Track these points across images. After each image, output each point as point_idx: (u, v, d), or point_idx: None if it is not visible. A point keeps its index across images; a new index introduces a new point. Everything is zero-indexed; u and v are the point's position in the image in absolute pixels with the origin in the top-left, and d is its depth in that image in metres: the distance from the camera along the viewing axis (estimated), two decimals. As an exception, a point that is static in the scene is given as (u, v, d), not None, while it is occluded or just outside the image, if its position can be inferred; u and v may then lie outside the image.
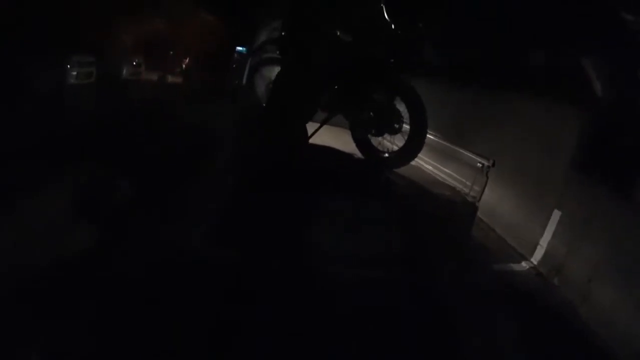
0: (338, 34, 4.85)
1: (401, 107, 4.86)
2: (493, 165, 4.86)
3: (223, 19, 5.69)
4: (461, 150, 5.19)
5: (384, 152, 5.02)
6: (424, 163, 5.58)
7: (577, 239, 3.97)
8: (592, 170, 3.95)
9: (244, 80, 5.73)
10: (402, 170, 4.93)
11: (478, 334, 3.19)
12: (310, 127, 5.10)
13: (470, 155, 5.02)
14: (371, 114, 4.92)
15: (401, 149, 4.94)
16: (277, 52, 5.36)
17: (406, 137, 4.87)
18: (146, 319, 2.76)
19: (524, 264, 4.41)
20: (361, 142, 5.10)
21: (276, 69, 5.29)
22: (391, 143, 5.02)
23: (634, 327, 3.25)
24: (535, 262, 4.36)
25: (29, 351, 2.42)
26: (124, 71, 5.45)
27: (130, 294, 2.94)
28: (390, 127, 4.91)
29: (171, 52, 5.79)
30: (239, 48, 6.24)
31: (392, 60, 4.81)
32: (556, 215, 4.24)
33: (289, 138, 4.79)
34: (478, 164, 4.89)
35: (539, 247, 4.36)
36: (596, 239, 3.79)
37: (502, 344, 3.16)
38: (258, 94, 5.47)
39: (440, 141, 5.52)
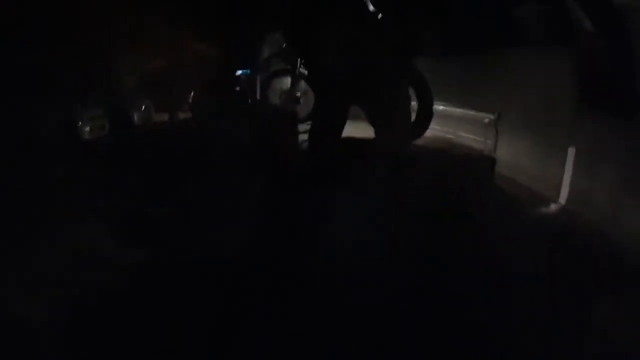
0: (341, 35, 5.14)
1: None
2: (499, 117, 5.02)
3: (222, 43, 5.93)
4: (468, 111, 5.36)
5: None
6: (439, 129, 5.74)
7: (597, 169, 4.01)
8: (596, 102, 3.99)
9: (258, 97, 6.03)
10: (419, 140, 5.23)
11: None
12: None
13: (476, 113, 5.19)
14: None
15: (414, 124, 5.24)
16: (283, 64, 5.73)
17: (415, 114, 5.19)
18: (145, 318, 2.90)
19: (552, 205, 4.45)
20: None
21: (285, 80, 5.65)
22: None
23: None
24: (563, 202, 4.39)
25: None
26: (135, 118, 5.76)
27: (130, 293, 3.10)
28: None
29: (176, 89, 6.05)
30: (240, 71, 6.46)
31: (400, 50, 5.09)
32: (572, 152, 4.29)
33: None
34: (485, 120, 5.07)
35: (562, 186, 4.40)
36: (614, 163, 3.83)
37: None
38: (273, 106, 5.78)
39: (448, 108, 5.66)
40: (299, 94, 5.75)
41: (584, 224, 4.05)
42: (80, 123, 5.12)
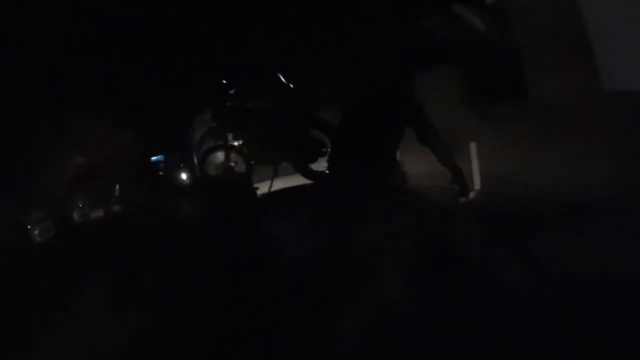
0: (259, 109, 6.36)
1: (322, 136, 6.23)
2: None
3: (141, 132, 6.30)
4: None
5: (324, 170, 6.21)
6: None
7: (499, 153, 5.21)
8: (491, 96, 5.20)
9: (197, 173, 6.57)
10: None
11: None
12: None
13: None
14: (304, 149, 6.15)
15: None
16: (215, 141, 6.46)
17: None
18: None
19: (470, 194, 5.47)
20: (304, 171, 6.27)
21: (219, 154, 6.42)
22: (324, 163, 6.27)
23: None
24: (479, 187, 5.50)
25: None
26: (74, 216, 5.82)
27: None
28: (320, 153, 6.22)
29: (103, 184, 6.22)
30: (154, 158, 6.82)
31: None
32: (473, 147, 5.47)
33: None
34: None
35: (474, 176, 5.52)
36: (512, 144, 5.06)
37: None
38: (212, 179, 6.34)
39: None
40: (232, 164, 6.43)
41: (499, 198, 5.15)
42: (29, 227, 5.16)
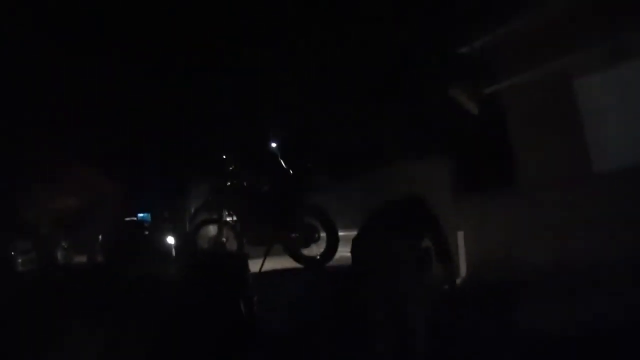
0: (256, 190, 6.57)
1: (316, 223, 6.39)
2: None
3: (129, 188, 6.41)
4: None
5: (316, 256, 6.44)
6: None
7: (485, 241, 5.44)
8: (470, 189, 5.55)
9: (189, 241, 6.56)
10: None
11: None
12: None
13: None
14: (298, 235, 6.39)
15: (325, 251, 6.28)
16: (209, 214, 6.69)
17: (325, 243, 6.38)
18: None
19: (457, 281, 5.58)
20: (296, 255, 6.48)
21: (212, 228, 6.58)
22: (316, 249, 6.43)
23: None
24: (466, 277, 5.62)
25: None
26: (58, 255, 5.70)
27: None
28: (312, 239, 6.35)
29: (86, 230, 6.19)
30: (141, 215, 6.82)
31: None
32: (460, 235, 5.70)
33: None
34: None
35: (462, 265, 5.67)
36: (496, 232, 5.32)
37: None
38: (203, 252, 6.35)
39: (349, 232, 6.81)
40: (224, 239, 6.49)
41: (484, 287, 5.26)
42: (13, 254, 5.08)
